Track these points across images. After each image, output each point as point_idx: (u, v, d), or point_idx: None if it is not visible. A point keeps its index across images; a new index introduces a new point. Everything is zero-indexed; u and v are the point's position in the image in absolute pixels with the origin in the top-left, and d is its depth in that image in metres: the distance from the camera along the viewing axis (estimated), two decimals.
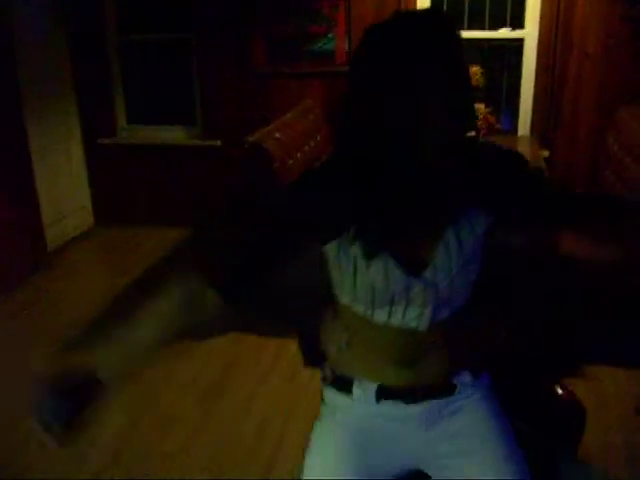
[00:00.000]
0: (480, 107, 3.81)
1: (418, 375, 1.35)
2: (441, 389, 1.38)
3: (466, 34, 3.91)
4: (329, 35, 4.16)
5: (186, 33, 4.48)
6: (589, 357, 1.74)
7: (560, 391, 1.81)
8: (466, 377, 1.40)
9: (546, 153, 4.18)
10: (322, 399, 1.49)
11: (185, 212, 4.65)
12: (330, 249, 1.29)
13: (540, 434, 1.56)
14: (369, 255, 1.23)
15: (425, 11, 1.22)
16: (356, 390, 1.39)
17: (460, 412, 1.40)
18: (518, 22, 4.05)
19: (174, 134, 4.80)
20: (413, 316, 1.30)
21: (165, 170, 4.75)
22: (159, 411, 2.82)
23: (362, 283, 1.26)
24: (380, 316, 1.31)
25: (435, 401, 1.38)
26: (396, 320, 1.31)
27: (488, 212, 1.27)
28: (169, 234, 4.47)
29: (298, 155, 3.63)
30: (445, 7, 4.17)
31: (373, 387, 1.37)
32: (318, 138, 4.08)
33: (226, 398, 2.89)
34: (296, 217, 1.26)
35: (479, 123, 3.65)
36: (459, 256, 1.26)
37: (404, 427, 1.40)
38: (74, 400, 1.18)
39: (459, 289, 1.31)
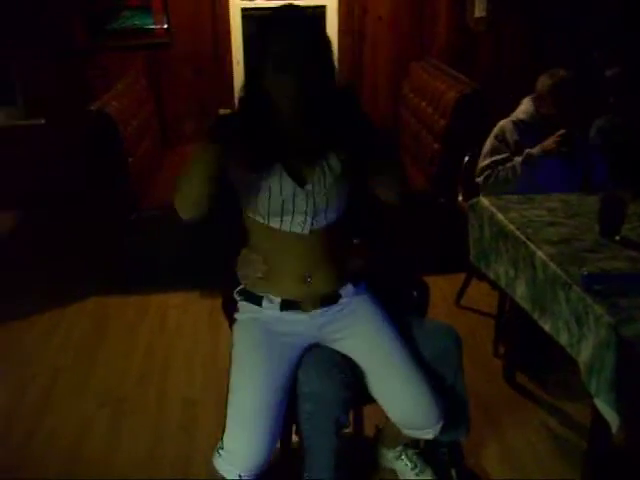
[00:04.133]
0: None
1: (312, 289, 1.81)
2: (330, 298, 1.85)
3: (271, 3, 4.33)
4: (148, 8, 4.37)
5: None
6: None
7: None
8: (349, 288, 1.88)
9: None
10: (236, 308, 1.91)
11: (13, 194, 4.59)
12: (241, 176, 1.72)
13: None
14: (264, 167, 1.69)
15: (298, 12, 1.68)
16: (264, 302, 1.84)
17: (345, 310, 1.87)
18: None
19: None
20: (298, 222, 1.74)
21: None
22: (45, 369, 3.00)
23: (262, 194, 1.71)
24: (274, 223, 1.75)
25: (326, 307, 1.84)
26: (285, 226, 1.75)
27: (342, 149, 1.74)
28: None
29: (135, 122, 3.85)
30: None
31: (278, 300, 1.82)
32: (147, 107, 4.30)
33: (105, 346, 3.14)
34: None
35: None
36: (329, 176, 1.73)
37: (303, 327, 1.86)
38: None
39: (332, 203, 1.76)
